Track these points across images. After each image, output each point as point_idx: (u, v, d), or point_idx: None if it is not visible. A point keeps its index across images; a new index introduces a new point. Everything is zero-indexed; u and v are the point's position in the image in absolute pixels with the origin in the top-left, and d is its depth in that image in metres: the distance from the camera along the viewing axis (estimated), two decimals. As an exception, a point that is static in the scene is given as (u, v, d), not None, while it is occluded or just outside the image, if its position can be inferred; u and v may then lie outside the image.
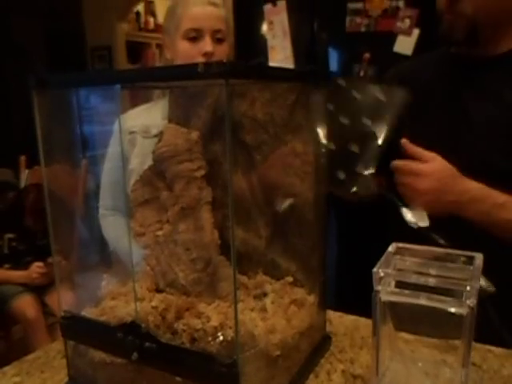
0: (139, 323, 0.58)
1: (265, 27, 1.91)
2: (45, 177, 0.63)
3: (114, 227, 1.17)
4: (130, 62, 4.37)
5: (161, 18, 4.90)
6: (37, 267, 2.11)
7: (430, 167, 0.82)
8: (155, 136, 1.08)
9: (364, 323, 0.87)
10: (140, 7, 4.42)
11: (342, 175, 0.77)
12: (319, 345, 0.77)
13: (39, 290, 2.13)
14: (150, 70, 0.67)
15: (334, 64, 1.78)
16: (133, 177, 1.07)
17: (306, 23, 1.81)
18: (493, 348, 0.75)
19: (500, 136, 0.86)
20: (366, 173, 0.78)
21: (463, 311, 0.50)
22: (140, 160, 1.07)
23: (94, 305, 0.70)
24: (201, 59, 1.07)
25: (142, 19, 4.55)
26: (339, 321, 0.88)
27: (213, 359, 0.53)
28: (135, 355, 0.58)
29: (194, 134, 0.74)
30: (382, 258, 0.57)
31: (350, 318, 0.90)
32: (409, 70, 1.06)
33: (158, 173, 0.76)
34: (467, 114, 0.90)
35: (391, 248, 0.60)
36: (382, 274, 0.53)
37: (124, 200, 0.89)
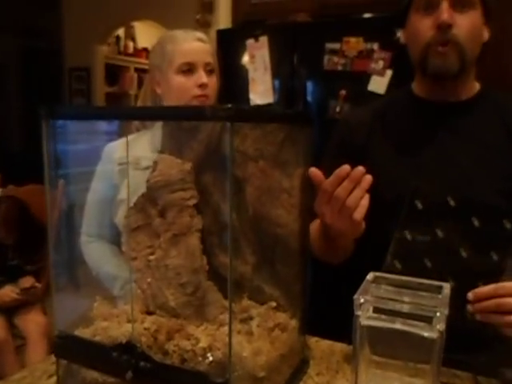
0: (135, 343, 0.62)
1: (246, 58, 2.00)
2: (48, 201, 0.67)
3: (97, 253, 1.19)
4: (108, 85, 4.41)
5: (140, 43, 4.98)
6: (10, 291, 2.08)
7: None
8: (146, 168, 1.13)
9: (339, 348, 0.92)
10: (120, 31, 4.48)
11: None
12: (298, 368, 0.82)
13: (8, 311, 2.10)
14: (160, 109, 0.72)
15: (311, 99, 1.87)
16: (122, 207, 1.11)
17: (287, 59, 1.90)
18: (458, 372, 0.81)
19: (487, 176, 0.91)
20: None
21: (434, 335, 0.56)
22: (130, 191, 1.11)
23: (85, 325, 0.73)
24: (196, 90, 1.13)
25: (122, 43, 4.61)
26: (316, 345, 0.93)
27: (206, 378, 0.57)
28: (129, 374, 0.61)
29: (187, 165, 0.79)
30: (362, 286, 0.63)
31: (326, 343, 0.94)
32: (371, 114, 1.07)
33: (151, 200, 0.81)
34: (452, 157, 0.94)
35: (369, 277, 0.66)
36: (362, 301, 0.59)
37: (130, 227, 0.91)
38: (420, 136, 1.00)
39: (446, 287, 0.64)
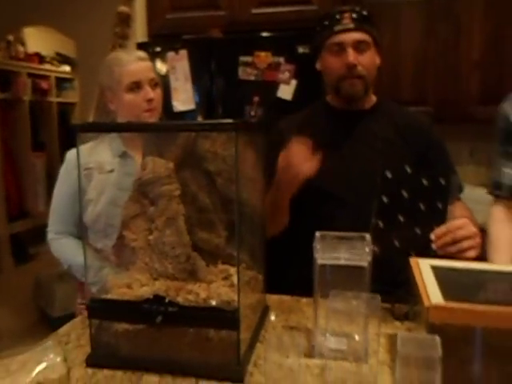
0: (162, 295, 0.84)
1: (167, 69, 2.19)
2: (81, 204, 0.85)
3: (68, 247, 1.34)
4: (0, 91, 4.23)
5: (30, 47, 4.83)
6: None
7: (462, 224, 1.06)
8: (109, 171, 1.30)
9: (286, 299, 1.21)
10: (10, 36, 4.33)
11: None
12: (263, 312, 1.09)
13: None
14: (176, 124, 0.93)
15: (229, 105, 2.14)
16: (90, 206, 1.28)
17: (205, 70, 2.14)
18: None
19: (380, 160, 1.27)
20: None
21: (365, 264, 0.86)
22: (97, 191, 1.28)
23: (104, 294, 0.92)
24: (144, 105, 1.32)
25: (13, 48, 4.45)
26: (268, 298, 1.21)
27: (222, 310, 0.82)
28: (159, 318, 0.83)
29: (171, 164, 1.01)
30: (315, 240, 0.92)
31: (275, 297, 1.23)
32: (297, 121, 1.42)
33: (143, 193, 1.02)
34: (358, 149, 1.32)
35: (317, 234, 0.95)
36: (318, 247, 0.88)
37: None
38: (338, 136, 1.35)
39: (368, 236, 0.95)
